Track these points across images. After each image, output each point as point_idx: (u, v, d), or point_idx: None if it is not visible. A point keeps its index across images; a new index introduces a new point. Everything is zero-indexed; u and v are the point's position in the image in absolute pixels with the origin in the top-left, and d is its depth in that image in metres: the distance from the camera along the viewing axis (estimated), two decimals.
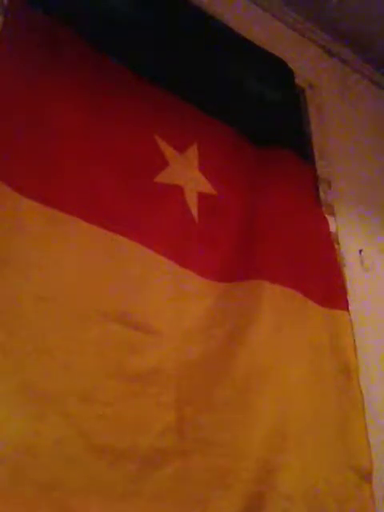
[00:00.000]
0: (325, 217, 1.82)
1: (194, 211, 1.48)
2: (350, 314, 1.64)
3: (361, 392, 1.53)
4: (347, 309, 1.65)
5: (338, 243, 1.83)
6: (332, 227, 1.83)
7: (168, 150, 1.49)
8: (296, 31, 2.23)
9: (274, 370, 1.41)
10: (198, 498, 1.16)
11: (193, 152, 1.56)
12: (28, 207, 1.17)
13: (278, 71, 1.97)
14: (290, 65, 2.00)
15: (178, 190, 1.47)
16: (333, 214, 1.88)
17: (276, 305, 1.52)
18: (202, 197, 1.52)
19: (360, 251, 1.93)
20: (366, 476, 1.44)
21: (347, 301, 1.67)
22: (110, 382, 1.14)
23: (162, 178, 1.45)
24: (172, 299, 1.33)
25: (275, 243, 1.61)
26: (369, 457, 1.46)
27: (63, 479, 1.01)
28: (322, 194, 1.88)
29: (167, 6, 1.70)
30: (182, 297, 1.34)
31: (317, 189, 1.88)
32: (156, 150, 1.47)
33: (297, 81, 2.02)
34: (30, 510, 0.96)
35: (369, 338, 1.73)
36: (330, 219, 1.84)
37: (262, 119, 1.81)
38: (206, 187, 1.55)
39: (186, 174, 1.52)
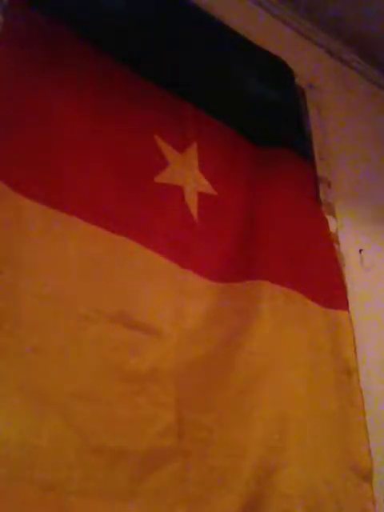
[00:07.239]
0: (325, 217, 1.82)
1: (194, 211, 1.48)
2: (350, 314, 1.64)
3: (361, 392, 1.53)
4: (347, 309, 1.65)
5: (338, 243, 1.83)
6: (332, 227, 1.82)
7: (168, 150, 1.49)
8: (296, 31, 2.22)
9: (274, 370, 1.41)
10: (197, 497, 1.16)
11: (193, 152, 1.56)
12: (28, 207, 1.17)
13: (278, 71, 1.97)
14: (290, 65, 2.00)
15: (177, 190, 1.47)
16: (333, 214, 1.88)
17: (276, 305, 1.51)
18: (202, 197, 1.52)
19: (360, 251, 1.93)
20: (366, 476, 1.44)
21: (347, 301, 1.67)
22: (110, 381, 1.14)
23: (162, 178, 1.45)
24: (172, 299, 1.33)
25: (275, 243, 1.61)
26: (369, 457, 1.46)
27: (63, 479, 1.01)
28: (321, 194, 1.88)
29: (167, 5, 1.70)
30: (181, 297, 1.34)
31: (317, 189, 1.88)
32: (156, 150, 1.47)
33: (297, 81, 2.02)
34: (29, 509, 0.96)
35: (369, 338, 1.73)
36: (330, 219, 1.84)
37: (262, 119, 1.81)
38: (206, 187, 1.55)
39: (186, 174, 1.52)
